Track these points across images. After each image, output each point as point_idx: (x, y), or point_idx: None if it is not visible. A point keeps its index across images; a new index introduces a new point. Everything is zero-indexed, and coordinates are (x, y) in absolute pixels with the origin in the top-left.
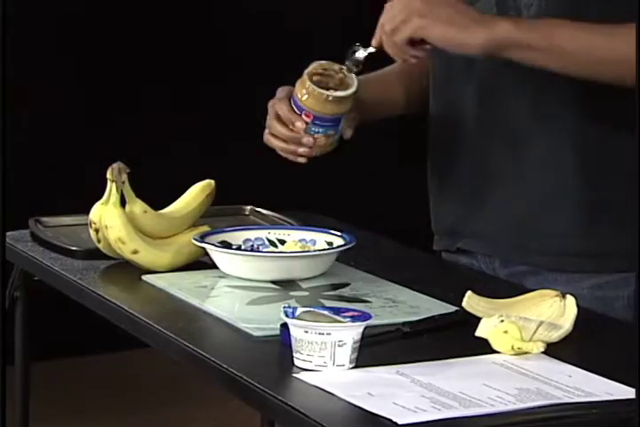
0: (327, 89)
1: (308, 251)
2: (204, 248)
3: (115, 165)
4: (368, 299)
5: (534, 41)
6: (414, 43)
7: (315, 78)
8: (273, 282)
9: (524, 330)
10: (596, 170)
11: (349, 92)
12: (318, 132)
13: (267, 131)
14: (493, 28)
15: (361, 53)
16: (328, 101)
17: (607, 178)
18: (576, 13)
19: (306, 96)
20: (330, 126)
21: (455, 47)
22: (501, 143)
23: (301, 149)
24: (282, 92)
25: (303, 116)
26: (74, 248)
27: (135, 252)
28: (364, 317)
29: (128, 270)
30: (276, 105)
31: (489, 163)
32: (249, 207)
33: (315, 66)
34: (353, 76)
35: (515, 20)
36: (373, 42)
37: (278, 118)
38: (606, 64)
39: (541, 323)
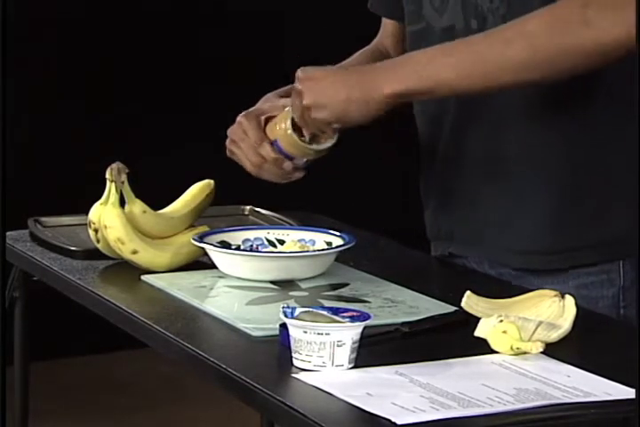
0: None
1: (307, 251)
2: (203, 248)
3: (114, 165)
4: (367, 299)
5: (418, 87)
6: None
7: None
8: (272, 282)
9: (523, 330)
10: (563, 167)
11: (326, 146)
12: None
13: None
14: (380, 91)
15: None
16: (304, 148)
17: (575, 176)
18: None
19: (282, 136)
20: (285, 158)
21: (363, 123)
22: (474, 147)
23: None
24: (263, 103)
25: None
26: (73, 248)
27: (134, 252)
28: (363, 317)
29: (127, 270)
30: (247, 127)
31: (463, 166)
32: (248, 207)
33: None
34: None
35: (392, 69)
36: None
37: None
38: (507, 72)
39: (540, 323)
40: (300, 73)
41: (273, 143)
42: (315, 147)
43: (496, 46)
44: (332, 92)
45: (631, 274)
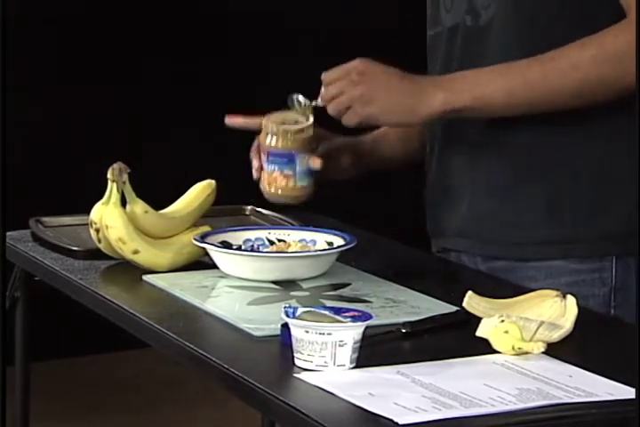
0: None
1: (308, 251)
2: (204, 248)
3: (115, 166)
4: (368, 299)
5: (466, 107)
6: None
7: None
8: (273, 282)
9: (525, 330)
10: (554, 162)
11: (297, 127)
12: (274, 169)
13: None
14: (432, 103)
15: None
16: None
17: (567, 170)
18: (528, 16)
19: (261, 133)
20: (284, 163)
21: (403, 126)
22: (463, 145)
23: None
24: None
25: (262, 154)
26: (74, 248)
27: (136, 252)
28: (364, 317)
29: (129, 270)
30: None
31: (453, 161)
32: (249, 207)
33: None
34: (310, 116)
35: (446, 87)
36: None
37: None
38: (553, 96)
39: (542, 323)
40: (359, 63)
41: (269, 155)
42: (292, 127)
43: (550, 77)
44: (386, 91)
45: (622, 276)
